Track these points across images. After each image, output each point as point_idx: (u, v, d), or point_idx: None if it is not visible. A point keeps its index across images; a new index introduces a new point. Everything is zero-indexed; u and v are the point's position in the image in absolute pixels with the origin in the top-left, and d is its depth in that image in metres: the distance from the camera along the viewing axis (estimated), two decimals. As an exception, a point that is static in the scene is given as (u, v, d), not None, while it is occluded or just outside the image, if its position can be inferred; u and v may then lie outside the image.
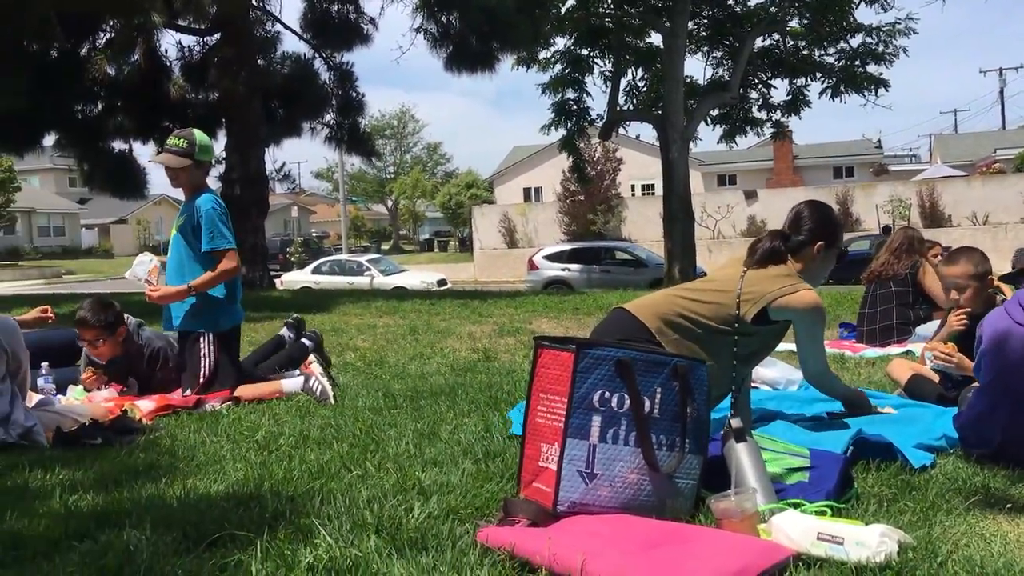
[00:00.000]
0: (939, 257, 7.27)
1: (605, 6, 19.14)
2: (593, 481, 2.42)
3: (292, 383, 4.72)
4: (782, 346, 3.97)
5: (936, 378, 4.26)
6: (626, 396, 2.47)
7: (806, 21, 19.02)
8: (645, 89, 20.54)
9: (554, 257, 23.03)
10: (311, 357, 5.09)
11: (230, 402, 4.45)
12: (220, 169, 15.68)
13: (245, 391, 4.57)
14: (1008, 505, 2.58)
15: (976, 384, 3.30)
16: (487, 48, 16.24)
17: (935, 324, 6.00)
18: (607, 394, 2.46)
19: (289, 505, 2.56)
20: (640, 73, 20.45)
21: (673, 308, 3.35)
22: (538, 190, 45.40)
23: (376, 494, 2.62)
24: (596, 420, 2.45)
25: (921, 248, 6.85)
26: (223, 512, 2.49)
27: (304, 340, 5.30)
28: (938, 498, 2.63)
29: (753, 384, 4.73)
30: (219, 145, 15.63)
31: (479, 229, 35.79)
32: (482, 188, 53.29)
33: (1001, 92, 53.21)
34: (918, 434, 3.38)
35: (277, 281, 20.44)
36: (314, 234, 56.59)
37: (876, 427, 3.39)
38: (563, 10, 18.55)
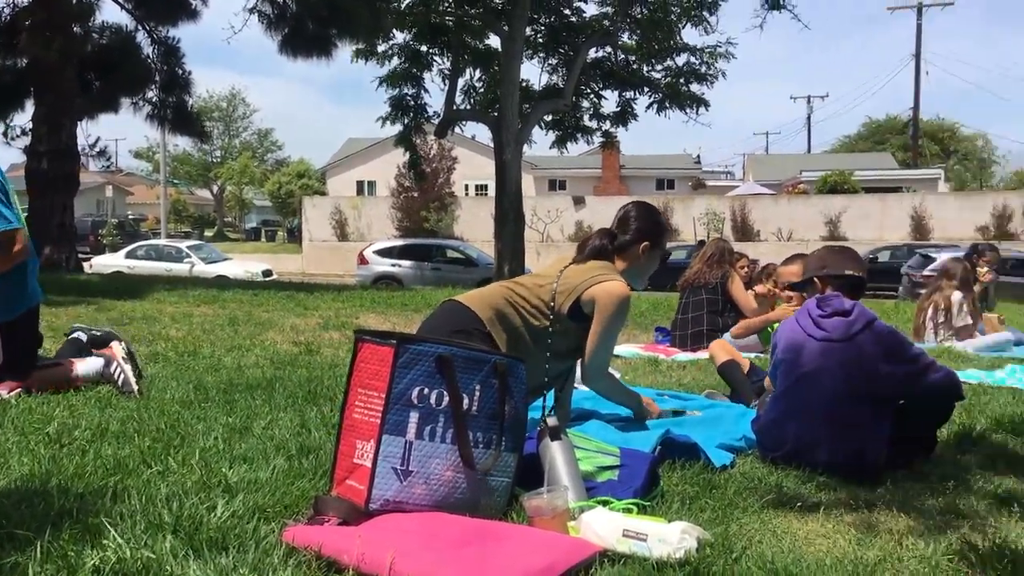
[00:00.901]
0: (746, 269, 7.72)
1: (445, 4, 19.14)
2: (408, 479, 2.38)
3: (88, 365, 4.32)
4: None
5: (746, 366, 4.53)
6: (445, 393, 2.45)
7: (637, 37, 19.73)
8: (482, 90, 20.68)
9: (385, 253, 22.80)
10: (115, 344, 4.73)
11: (20, 391, 4.09)
12: (26, 141, 14.55)
13: (36, 378, 4.21)
14: (799, 504, 2.74)
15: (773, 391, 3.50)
16: (324, 33, 15.89)
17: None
18: (426, 390, 2.43)
19: (78, 503, 2.38)
20: (478, 74, 20.57)
21: (502, 298, 3.40)
22: (372, 184, 44.88)
23: (176, 492, 2.48)
24: (414, 416, 2.41)
25: (731, 259, 7.24)
26: (2, 510, 2.28)
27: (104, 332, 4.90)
28: (736, 496, 2.76)
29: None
30: (27, 115, 14.50)
31: (309, 220, 34.99)
32: (314, 179, 52.13)
33: (808, 118, 57.07)
34: (721, 435, 3.55)
35: (86, 264, 19.20)
36: (130, 216, 53.48)
37: (683, 428, 3.54)
38: (404, 5, 18.40)
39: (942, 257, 12.93)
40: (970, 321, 7.68)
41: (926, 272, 16.61)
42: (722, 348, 4.79)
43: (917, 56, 40.12)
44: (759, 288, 7.66)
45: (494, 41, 19.38)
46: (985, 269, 8.61)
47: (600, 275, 3.45)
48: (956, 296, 7.71)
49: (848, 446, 3.15)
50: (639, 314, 9.90)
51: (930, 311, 7.80)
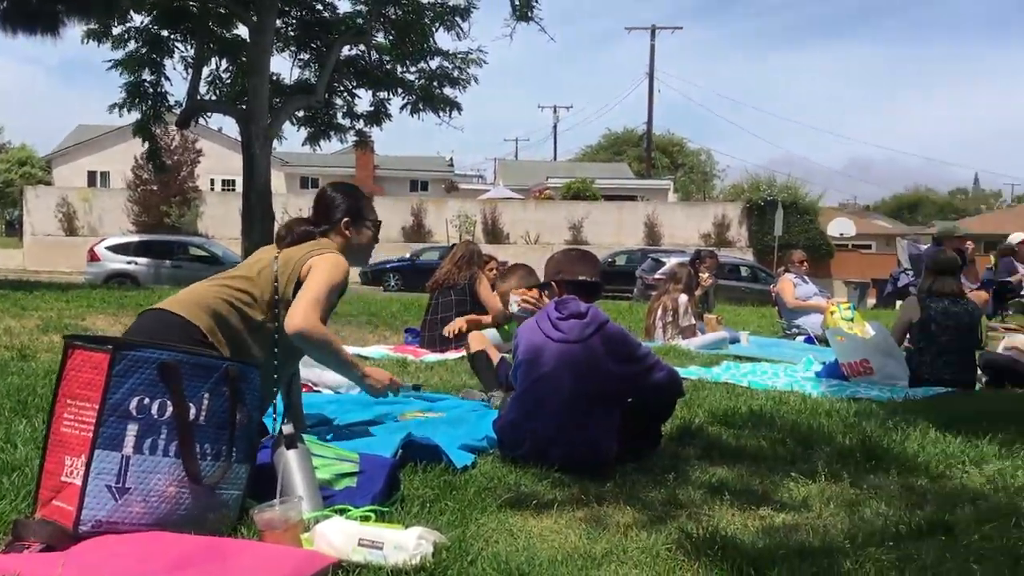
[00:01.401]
0: (495, 271, 7.91)
1: (190, -12, 18.14)
2: (124, 496, 2.19)
3: None
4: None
5: (496, 359, 4.61)
6: (169, 402, 2.28)
7: (391, 37, 19.69)
8: (229, 81, 19.79)
9: (119, 249, 21.19)
10: None
11: None
12: None
13: None
14: (534, 502, 2.82)
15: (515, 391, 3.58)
16: (50, 8, 14.50)
17: (493, 332, 6.51)
18: (147, 400, 2.25)
19: None
20: (225, 64, 19.67)
21: (216, 297, 3.05)
22: (105, 175, 41.66)
23: None
24: (132, 429, 2.22)
25: (479, 261, 7.38)
26: None
27: None
28: (476, 497, 2.79)
29: (315, 388, 4.73)
30: None
31: (32, 212, 31.90)
32: (38, 167, 47.59)
33: (555, 127, 59.75)
34: (463, 435, 3.59)
35: None
36: None
37: (426, 430, 3.53)
38: (142, -16, 17.21)
39: (671, 262, 13.92)
40: (693, 321, 8.32)
41: (657, 275, 17.84)
42: (477, 338, 4.85)
43: (651, 74, 43.08)
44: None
45: (243, 31, 18.61)
46: (707, 275, 9.36)
47: (317, 249, 3.25)
48: (682, 298, 8.32)
49: (582, 443, 3.28)
50: (390, 315, 9.87)
51: (659, 312, 8.37)
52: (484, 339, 4.87)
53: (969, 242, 11.31)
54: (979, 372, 6.19)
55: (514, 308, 4.59)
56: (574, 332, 3.38)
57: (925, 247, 11.36)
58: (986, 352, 6.73)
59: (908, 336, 6.26)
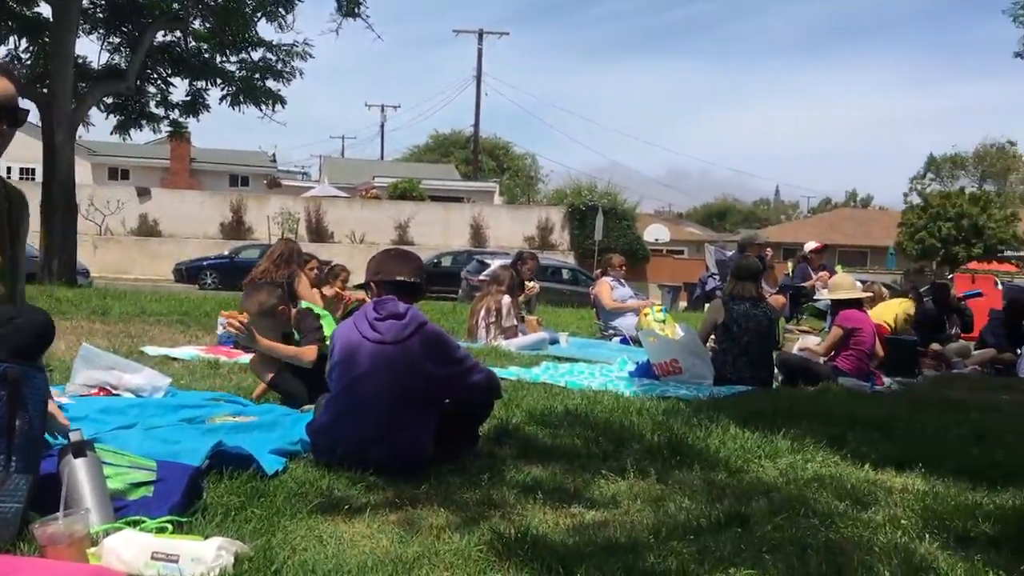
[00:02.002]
0: (315, 271, 7.73)
1: (-17, -41, 16.70)
2: None
3: None
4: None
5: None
6: (-65, 409, 2.06)
7: (209, 26, 18.88)
8: (30, 62, 18.35)
9: None
10: None
11: None
12: None
13: None
14: (347, 506, 2.75)
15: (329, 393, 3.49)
16: None
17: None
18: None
19: None
20: (25, 44, 18.23)
21: None
22: None
23: None
24: None
25: (299, 260, 7.19)
26: None
27: None
28: (285, 503, 2.69)
29: (116, 391, 4.44)
30: None
31: None
32: None
33: (382, 126, 59.09)
34: (277, 439, 3.47)
35: None
36: None
37: (237, 435, 3.39)
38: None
39: (495, 263, 14.08)
40: (515, 322, 8.45)
41: (481, 277, 18.00)
42: (262, 364, 4.57)
43: (478, 78, 43.52)
44: (327, 290, 7.71)
45: (45, 9, 17.32)
46: (532, 283, 9.53)
47: None
48: (505, 300, 8.43)
49: (399, 444, 3.24)
50: (203, 315, 9.43)
51: (482, 313, 8.44)
52: (266, 361, 4.61)
53: (769, 249, 12.06)
54: (776, 371, 6.61)
55: (220, 330, 4.45)
56: (392, 333, 3.33)
57: (731, 253, 12.03)
58: (782, 352, 7.21)
59: (714, 337, 6.60)
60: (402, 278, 3.60)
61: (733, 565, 2.38)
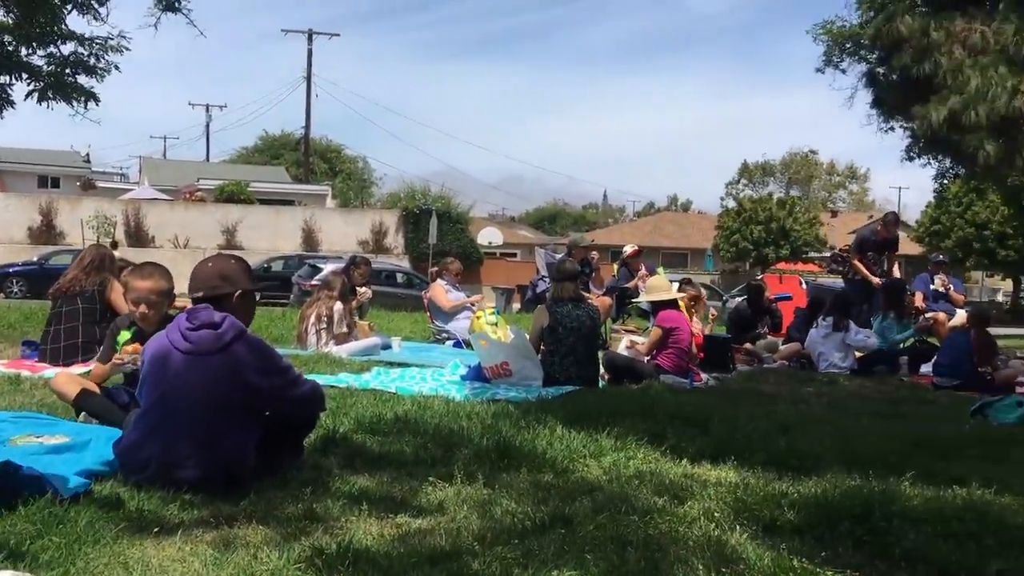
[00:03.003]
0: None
1: None
2: None
3: None
4: None
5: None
6: None
7: (15, 16, 17.56)
8: None
9: None
10: None
11: None
12: None
13: None
14: (157, 528, 2.60)
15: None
16: None
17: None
18: None
19: None
20: None
21: None
22: None
23: None
24: None
25: (112, 267, 6.78)
26: None
27: None
28: (87, 529, 2.52)
29: None
30: None
31: None
32: None
33: (207, 127, 56.74)
34: (84, 460, 3.25)
35: None
36: None
37: (35, 457, 3.14)
38: None
39: (327, 268, 13.80)
40: (347, 329, 8.30)
41: (313, 281, 17.62)
42: (67, 381, 4.29)
43: (308, 79, 42.50)
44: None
45: None
46: (365, 289, 9.40)
47: None
48: (337, 306, 8.27)
49: (216, 460, 3.10)
50: (7, 325, 8.73)
51: (312, 319, 8.24)
52: (73, 379, 4.34)
53: (595, 252, 12.43)
54: (602, 370, 6.80)
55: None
56: (207, 343, 3.18)
57: (560, 256, 12.31)
58: (609, 352, 7.43)
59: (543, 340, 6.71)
60: (215, 289, 3.44)
61: (556, 567, 2.42)
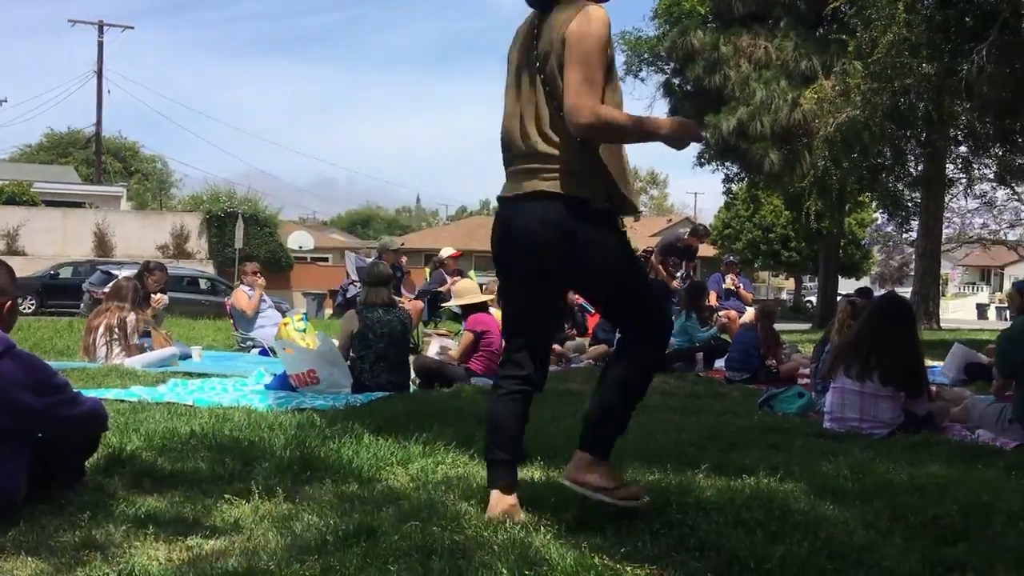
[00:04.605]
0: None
1: None
2: None
3: None
4: None
5: None
6: None
7: None
8: None
9: None
10: None
11: None
12: None
13: None
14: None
15: None
16: None
17: None
18: None
19: None
20: None
21: None
22: None
23: None
24: None
25: None
26: None
27: None
28: None
29: None
30: None
31: None
32: None
33: (-13, 122, 52.24)
34: None
35: None
36: None
37: None
38: None
39: (122, 274, 12.97)
40: (140, 340, 7.81)
41: (105, 289, 16.53)
42: None
43: (99, 73, 39.80)
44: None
45: None
46: (159, 296, 8.87)
47: None
48: (131, 317, 7.76)
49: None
50: None
51: (101, 329, 7.70)
52: None
53: (404, 257, 12.38)
54: (413, 375, 6.74)
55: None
56: (-33, 359, 2.86)
57: (370, 260, 12.16)
58: (420, 356, 7.38)
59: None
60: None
61: (358, 581, 2.33)
